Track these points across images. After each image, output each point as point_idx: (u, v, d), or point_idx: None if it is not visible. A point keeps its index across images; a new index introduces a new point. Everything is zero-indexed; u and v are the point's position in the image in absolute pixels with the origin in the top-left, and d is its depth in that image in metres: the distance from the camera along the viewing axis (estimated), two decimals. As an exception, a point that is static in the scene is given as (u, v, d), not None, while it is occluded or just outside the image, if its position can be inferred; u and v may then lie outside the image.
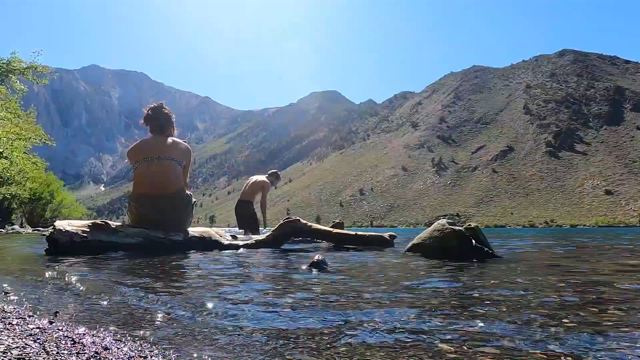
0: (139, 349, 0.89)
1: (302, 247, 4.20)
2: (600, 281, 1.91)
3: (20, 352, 0.81)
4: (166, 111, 4.21)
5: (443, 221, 3.16)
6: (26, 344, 0.87)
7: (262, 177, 6.95)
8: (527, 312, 1.24)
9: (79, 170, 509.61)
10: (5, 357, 0.77)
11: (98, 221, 3.49)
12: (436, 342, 0.95)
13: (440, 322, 1.13)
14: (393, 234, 4.58)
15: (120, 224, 3.67)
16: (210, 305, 1.34)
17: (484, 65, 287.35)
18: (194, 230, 4.07)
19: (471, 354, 0.87)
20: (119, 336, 0.98)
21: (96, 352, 0.85)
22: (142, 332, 1.04)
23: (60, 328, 1.02)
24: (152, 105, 4.23)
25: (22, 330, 0.98)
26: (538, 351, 0.89)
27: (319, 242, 4.63)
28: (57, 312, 1.19)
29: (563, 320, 1.14)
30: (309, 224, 4.26)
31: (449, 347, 0.91)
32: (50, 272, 2.22)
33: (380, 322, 1.13)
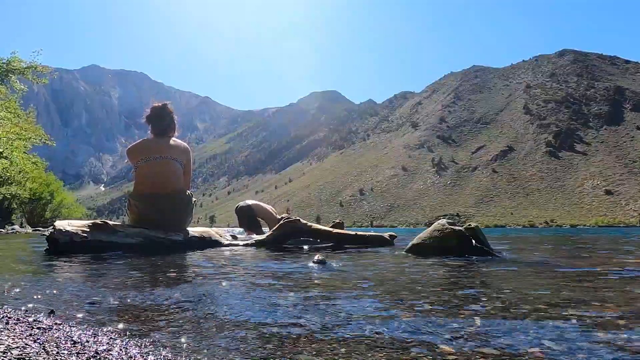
0: (140, 348, 0.89)
1: (302, 247, 4.19)
2: (599, 281, 1.91)
3: (20, 352, 0.81)
4: (171, 113, 4.18)
5: (443, 221, 3.16)
6: (26, 344, 0.86)
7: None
8: (526, 311, 1.25)
9: (79, 170, 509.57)
10: (5, 357, 0.77)
11: (98, 221, 3.49)
12: (436, 342, 0.96)
13: (439, 321, 1.14)
14: (393, 234, 4.58)
15: (120, 224, 3.67)
16: (211, 302, 1.34)
17: (484, 65, 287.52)
18: (194, 230, 4.06)
19: (470, 354, 0.88)
20: (119, 336, 0.98)
21: (96, 352, 0.85)
22: (143, 332, 1.03)
23: (60, 328, 1.02)
24: (157, 105, 4.18)
25: (22, 330, 0.98)
26: (536, 349, 0.90)
27: (319, 242, 4.62)
28: (52, 311, 1.20)
29: (562, 319, 1.15)
30: (309, 224, 4.26)
31: (448, 349, 0.92)
32: (50, 272, 2.19)
33: (379, 321, 1.14)
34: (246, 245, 4.02)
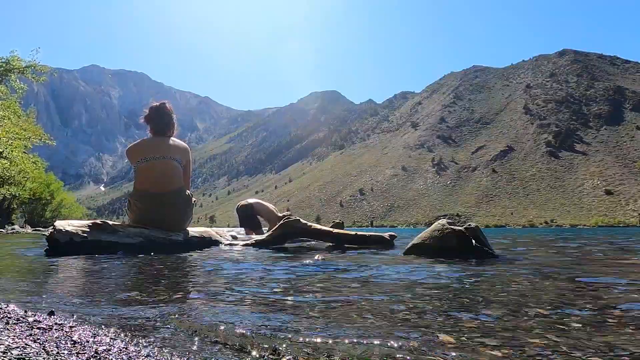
0: (139, 348, 0.89)
1: (302, 247, 4.19)
2: (598, 280, 1.92)
3: (20, 352, 0.81)
4: (169, 112, 4.19)
5: (443, 221, 3.15)
6: (26, 344, 0.86)
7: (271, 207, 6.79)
8: (526, 308, 1.28)
9: (79, 170, 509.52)
10: (5, 357, 0.77)
11: (98, 221, 3.48)
12: (437, 334, 0.99)
13: (440, 317, 1.17)
14: (393, 234, 4.57)
15: (120, 223, 3.67)
16: (211, 303, 1.36)
17: (484, 65, 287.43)
18: (194, 230, 4.06)
19: (471, 345, 0.91)
20: (119, 336, 0.98)
21: (96, 352, 0.85)
22: (142, 332, 1.03)
23: (60, 328, 1.02)
24: (155, 105, 4.20)
25: (22, 330, 0.97)
26: (537, 340, 0.94)
27: (319, 242, 4.62)
28: (52, 311, 1.20)
29: (561, 315, 1.18)
30: (309, 223, 4.25)
31: (449, 339, 0.94)
32: (50, 272, 2.20)
33: (381, 318, 1.15)
34: (246, 245, 4.02)
